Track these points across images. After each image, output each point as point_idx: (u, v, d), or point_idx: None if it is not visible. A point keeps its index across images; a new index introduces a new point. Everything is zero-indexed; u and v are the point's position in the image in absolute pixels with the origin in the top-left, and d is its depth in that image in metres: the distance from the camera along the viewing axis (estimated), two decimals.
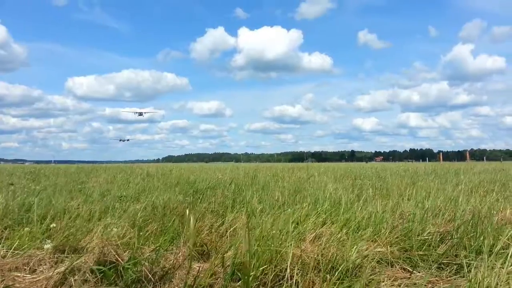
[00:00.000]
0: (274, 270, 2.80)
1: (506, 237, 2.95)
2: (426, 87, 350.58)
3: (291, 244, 2.97)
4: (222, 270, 2.77)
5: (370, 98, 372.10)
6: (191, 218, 2.67)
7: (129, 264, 2.79)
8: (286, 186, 7.79)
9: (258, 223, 3.66)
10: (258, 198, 5.85)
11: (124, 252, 3.07)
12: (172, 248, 3.33)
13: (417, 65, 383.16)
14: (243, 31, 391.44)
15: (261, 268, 2.73)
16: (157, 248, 3.17)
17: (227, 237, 3.77)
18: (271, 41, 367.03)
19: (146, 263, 2.84)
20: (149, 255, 3.00)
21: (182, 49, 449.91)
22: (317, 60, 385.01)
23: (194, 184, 8.97)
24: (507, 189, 7.46)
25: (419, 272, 2.93)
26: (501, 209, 4.68)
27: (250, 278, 2.47)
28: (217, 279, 2.72)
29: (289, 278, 2.71)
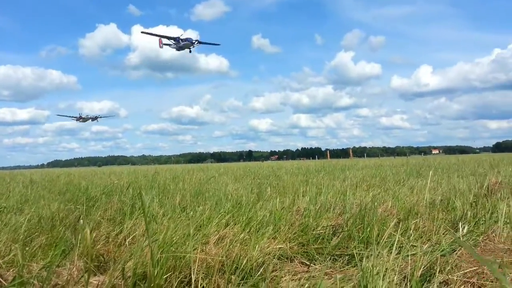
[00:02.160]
0: (179, 277, 2.75)
1: (390, 228, 3.31)
2: (313, 90, 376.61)
3: (195, 248, 2.95)
4: (122, 283, 2.62)
5: (264, 100, 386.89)
6: (86, 228, 2.48)
7: (14, 285, 2.49)
8: (187, 188, 7.69)
9: (160, 229, 3.55)
10: (159, 202, 5.68)
11: (8, 271, 2.73)
12: (65, 263, 3.03)
13: (306, 70, 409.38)
14: (137, 29, 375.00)
15: (164, 276, 2.66)
16: (48, 264, 2.88)
17: (126, 245, 3.58)
18: None
19: (35, 282, 2.56)
20: (38, 273, 2.70)
21: (70, 45, 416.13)
22: (214, 61, 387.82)
23: (87, 190, 8.35)
24: (386, 182, 8.36)
25: (316, 265, 3.13)
26: (383, 202, 5.20)
27: None
28: None
29: (194, 283, 2.68)
